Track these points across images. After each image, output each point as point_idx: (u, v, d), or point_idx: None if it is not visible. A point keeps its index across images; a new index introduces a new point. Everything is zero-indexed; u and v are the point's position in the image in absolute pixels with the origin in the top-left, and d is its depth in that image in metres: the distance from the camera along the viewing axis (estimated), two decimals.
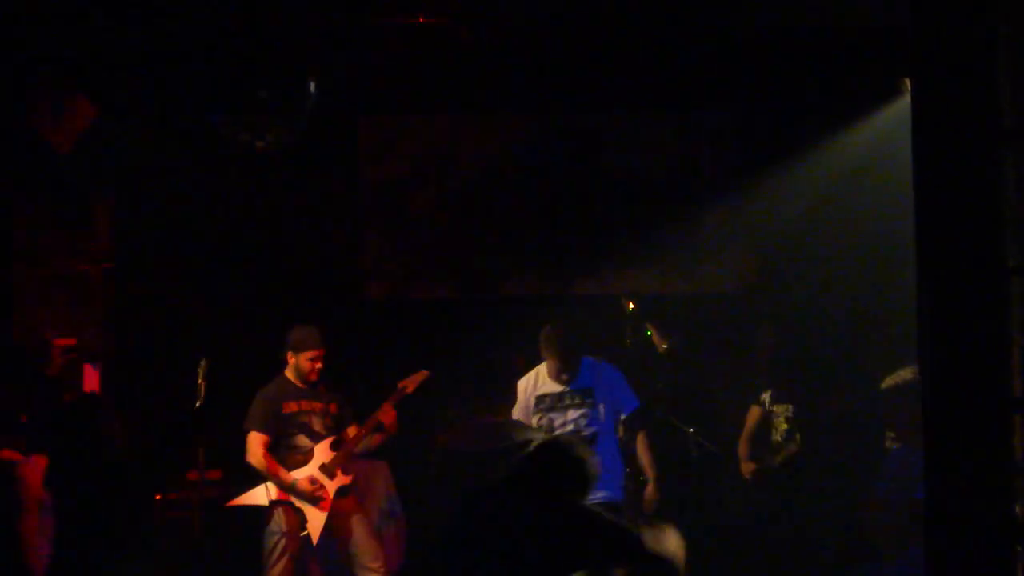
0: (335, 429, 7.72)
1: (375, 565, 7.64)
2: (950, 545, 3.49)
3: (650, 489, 7.47)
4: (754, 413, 8.54)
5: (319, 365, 7.64)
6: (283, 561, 7.46)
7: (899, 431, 6.71)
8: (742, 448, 8.49)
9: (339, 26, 7.91)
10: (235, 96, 6.79)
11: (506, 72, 8.89)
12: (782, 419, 8.39)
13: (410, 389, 7.85)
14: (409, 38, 8.25)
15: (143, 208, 8.89)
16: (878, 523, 6.66)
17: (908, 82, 4.26)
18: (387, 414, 7.67)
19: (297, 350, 7.66)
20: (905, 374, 6.72)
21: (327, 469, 7.60)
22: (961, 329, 3.48)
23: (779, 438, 8.37)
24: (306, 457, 7.61)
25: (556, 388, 7.33)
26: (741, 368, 9.00)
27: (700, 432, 8.65)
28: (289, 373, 7.74)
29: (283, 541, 7.45)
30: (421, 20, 7.98)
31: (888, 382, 6.78)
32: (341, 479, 7.63)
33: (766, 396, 8.50)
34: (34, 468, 6.63)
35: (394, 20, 8.06)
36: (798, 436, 8.24)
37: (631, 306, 8.72)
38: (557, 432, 7.20)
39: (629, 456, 7.76)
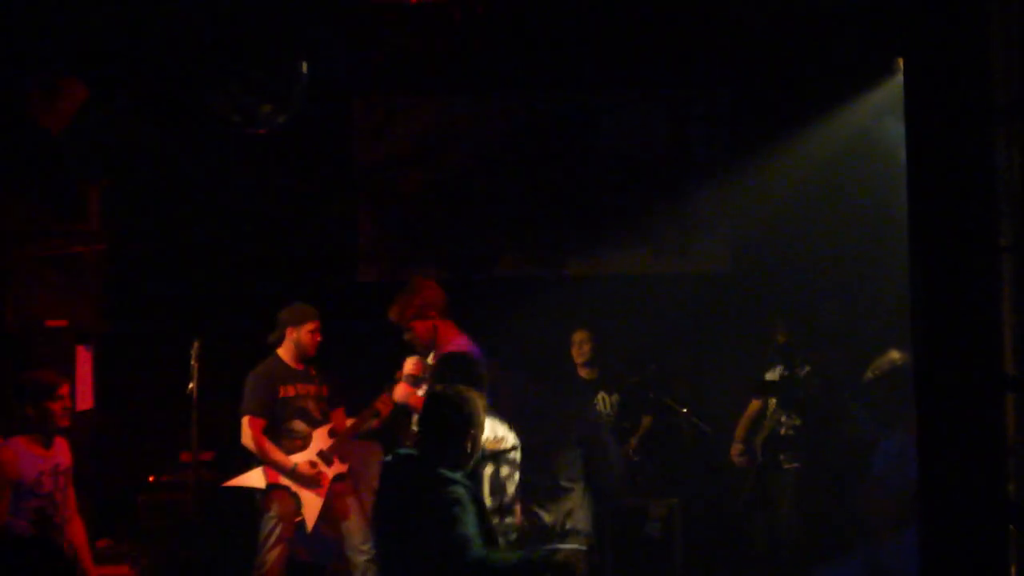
0: (328, 413, 7.74)
1: (366, 547, 7.65)
2: (944, 525, 3.50)
3: None
4: (755, 405, 8.53)
5: (319, 338, 7.65)
6: (280, 546, 7.46)
7: (886, 418, 6.72)
8: (739, 433, 8.47)
9: (332, 6, 7.88)
10: (228, 76, 6.76)
11: (499, 53, 8.87)
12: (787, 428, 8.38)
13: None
14: (402, 19, 8.22)
15: (136, 189, 8.86)
16: (874, 505, 6.67)
17: (901, 61, 4.24)
18: (385, 403, 7.70)
19: (298, 324, 7.66)
20: (883, 363, 6.73)
21: (325, 456, 7.61)
22: (953, 308, 3.48)
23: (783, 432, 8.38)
24: (304, 442, 7.61)
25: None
26: (733, 347, 9.02)
27: (693, 412, 8.66)
28: (284, 353, 7.72)
29: (280, 526, 7.45)
30: (414, 1, 7.95)
31: (870, 374, 6.79)
32: (338, 467, 7.65)
33: (768, 375, 8.50)
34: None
35: (387, 1, 8.03)
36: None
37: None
38: None
39: None
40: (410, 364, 6.95)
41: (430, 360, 6.99)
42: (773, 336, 8.53)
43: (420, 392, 6.83)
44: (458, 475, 5.12)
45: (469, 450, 5.22)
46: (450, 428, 5.19)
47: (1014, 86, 3.43)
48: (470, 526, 5.00)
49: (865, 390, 6.84)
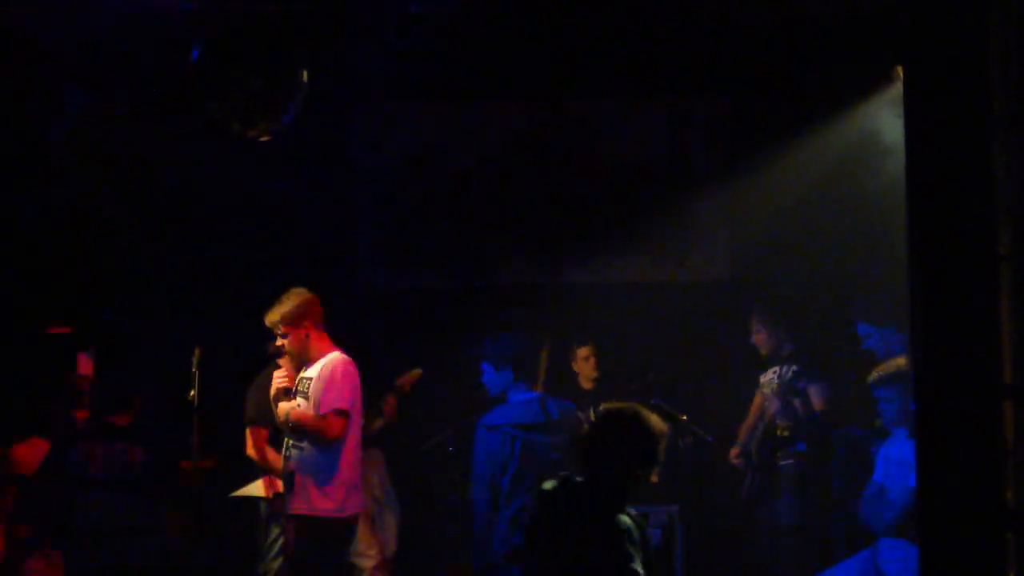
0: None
1: (371, 552, 7.67)
2: (942, 531, 3.50)
3: None
4: (757, 399, 8.56)
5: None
6: (284, 556, 7.47)
7: (888, 420, 6.74)
8: (741, 435, 8.53)
9: (332, 14, 7.89)
10: (228, 84, 6.78)
11: (499, 60, 8.88)
12: (782, 429, 8.41)
13: (407, 387, 7.91)
14: (402, 26, 8.23)
15: (136, 196, 8.87)
16: (872, 510, 6.68)
17: (900, 70, 4.26)
18: (388, 403, 7.74)
19: None
20: (890, 366, 6.75)
21: None
22: (952, 316, 3.49)
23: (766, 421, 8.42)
24: None
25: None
26: (732, 355, 9.01)
27: (693, 420, 8.66)
28: (284, 363, 7.74)
29: (284, 537, 7.45)
30: (414, 8, 7.97)
31: (876, 373, 6.81)
32: None
33: (762, 378, 8.51)
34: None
35: (387, 8, 8.04)
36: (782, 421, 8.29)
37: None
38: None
39: None
40: (279, 378, 6.95)
41: (304, 372, 6.98)
42: (757, 342, 8.58)
43: (296, 403, 6.85)
44: (626, 505, 4.73)
45: (648, 477, 4.82)
46: (633, 452, 4.74)
47: (1013, 95, 3.45)
48: (640, 565, 4.61)
49: (870, 390, 6.86)
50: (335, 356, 6.94)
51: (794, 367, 8.28)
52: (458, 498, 8.47)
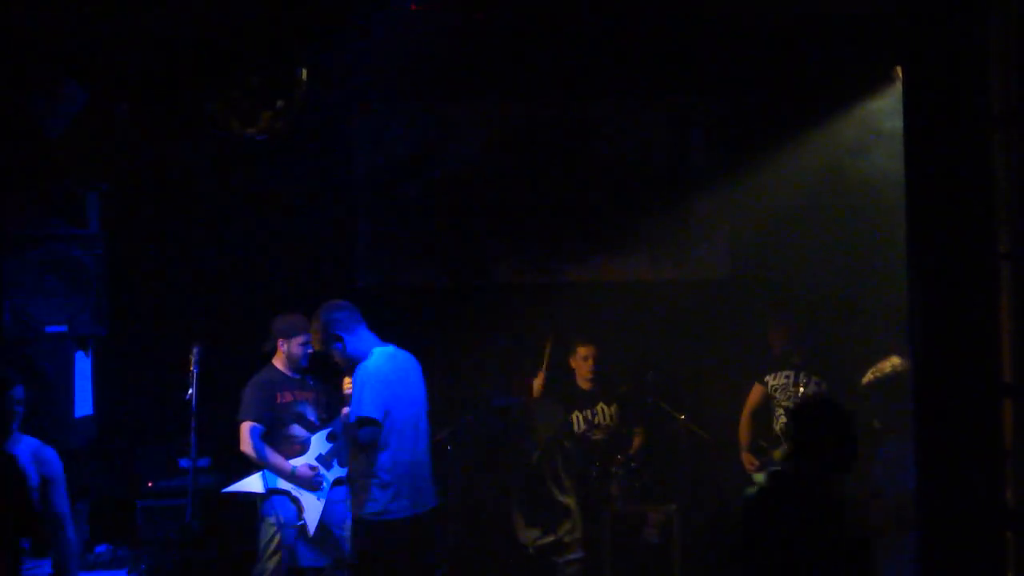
0: (327, 418, 7.76)
1: None
2: (941, 531, 3.51)
3: None
4: (757, 391, 8.52)
5: (311, 350, 7.67)
6: (280, 553, 7.47)
7: (885, 423, 6.72)
8: (743, 431, 8.50)
9: (331, 14, 7.89)
10: (227, 84, 6.77)
11: (498, 60, 8.88)
12: (780, 411, 8.37)
13: None
14: (401, 25, 8.23)
15: (135, 195, 8.86)
16: (872, 512, 6.68)
17: (899, 69, 4.26)
18: None
19: (288, 336, 7.68)
20: (884, 367, 6.73)
21: (324, 460, 7.63)
22: (951, 315, 3.49)
23: (779, 429, 8.35)
24: (303, 447, 7.64)
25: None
26: (732, 354, 9.01)
27: (691, 419, 8.66)
28: (278, 362, 7.75)
29: (280, 533, 7.46)
30: (413, 7, 7.96)
31: (869, 377, 6.79)
32: (337, 470, 7.66)
33: (770, 379, 8.48)
34: None
35: (386, 8, 8.04)
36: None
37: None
38: None
39: None
40: (348, 384, 6.97)
41: None
42: (772, 339, 8.54)
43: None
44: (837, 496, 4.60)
45: (853, 466, 4.67)
46: (839, 441, 4.58)
47: (1013, 95, 3.45)
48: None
49: (865, 392, 6.84)
50: (368, 360, 6.96)
51: (814, 378, 8.25)
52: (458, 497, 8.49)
